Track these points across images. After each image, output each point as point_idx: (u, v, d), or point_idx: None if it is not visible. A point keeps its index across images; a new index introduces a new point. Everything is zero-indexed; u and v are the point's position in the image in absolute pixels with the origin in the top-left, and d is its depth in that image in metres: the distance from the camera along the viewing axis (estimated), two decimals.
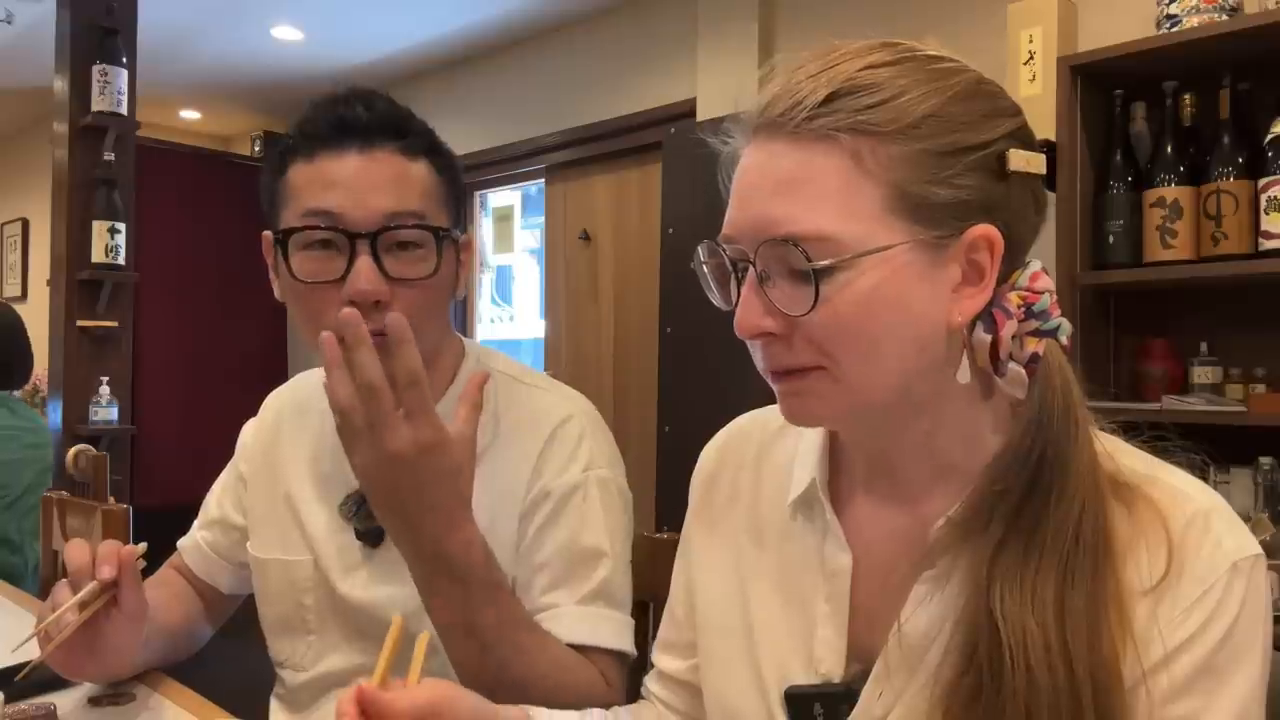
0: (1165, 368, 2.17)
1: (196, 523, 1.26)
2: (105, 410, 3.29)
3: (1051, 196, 0.70)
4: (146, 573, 1.09)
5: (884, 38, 0.67)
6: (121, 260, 3.31)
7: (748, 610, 0.78)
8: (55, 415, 3.25)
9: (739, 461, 0.85)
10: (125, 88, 3.33)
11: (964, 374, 0.66)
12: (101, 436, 3.22)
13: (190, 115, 5.40)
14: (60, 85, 3.38)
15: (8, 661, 1.03)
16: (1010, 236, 0.65)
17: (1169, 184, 2.05)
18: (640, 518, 1.12)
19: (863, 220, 0.62)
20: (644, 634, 1.13)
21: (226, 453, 1.25)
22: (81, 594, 0.95)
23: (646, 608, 1.18)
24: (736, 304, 0.66)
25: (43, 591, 1.64)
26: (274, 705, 1.15)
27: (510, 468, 1.04)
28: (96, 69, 3.28)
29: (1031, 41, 2.26)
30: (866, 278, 0.62)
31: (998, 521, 0.64)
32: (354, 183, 0.96)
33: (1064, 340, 0.67)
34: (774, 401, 0.70)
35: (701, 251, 0.69)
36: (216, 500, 1.24)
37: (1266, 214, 1.93)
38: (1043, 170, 0.67)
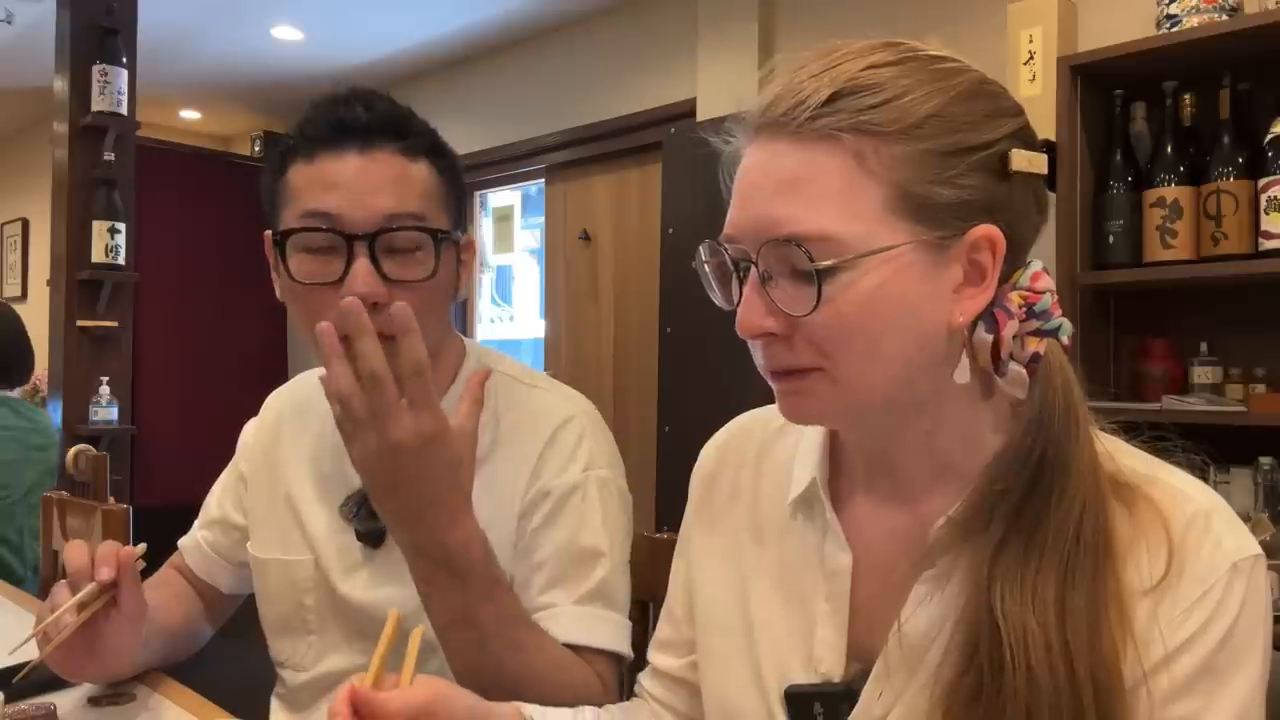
0: (1165, 368, 2.17)
1: (197, 522, 1.26)
2: (105, 410, 3.29)
3: (1051, 196, 0.70)
4: (146, 573, 1.09)
5: (886, 37, 0.67)
6: (121, 260, 3.31)
7: (747, 609, 0.78)
8: (55, 415, 3.25)
9: (739, 460, 0.85)
10: (125, 88, 3.33)
11: (962, 374, 0.66)
12: (101, 436, 3.22)
13: (190, 115, 5.40)
14: (60, 85, 3.38)
15: (7, 662, 1.03)
16: (1012, 236, 0.65)
17: (1169, 184, 2.05)
18: (640, 518, 1.12)
19: (865, 220, 0.62)
20: (644, 634, 1.13)
21: (226, 453, 1.25)
22: (80, 595, 0.95)
23: (646, 608, 1.18)
24: (738, 304, 0.66)
25: (42, 592, 1.64)
26: (274, 705, 1.15)
27: (510, 468, 1.04)
28: (96, 69, 3.28)
29: (1031, 41, 2.26)
30: (869, 278, 0.62)
31: (998, 521, 0.64)
32: (353, 184, 0.95)
33: (1065, 340, 0.67)
34: (774, 401, 0.70)
35: (703, 251, 0.69)
36: (217, 500, 1.24)
37: (1266, 214, 1.93)
38: (1045, 170, 0.67)
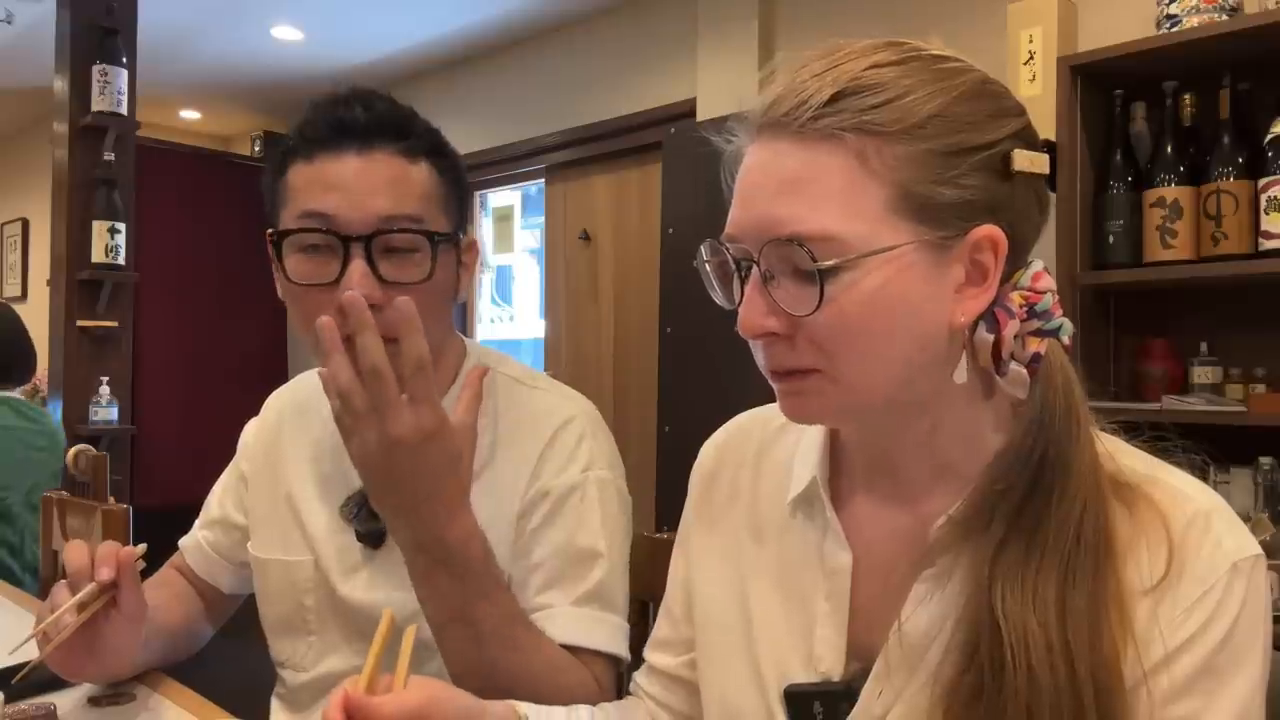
0: (1165, 368, 2.17)
1: (198, 522, 1.26)
2: (105, 410, 3.29)
3: (1051, 196, 0.70)
4: (147, 573, 1.09)
5: (888, 37, 0.67)
6: (121, 260, 3.31)
7: (747, 607, 0.78)
8: (55, 415, 3.25)
9: (739, 459, 0.85)
10: (125, 88, 3.33)
11: (961, 374, 0.66)
12: (101, 436, 3.23)
13: (190, 115, 5.40)
14: (60, 85, 3.38)
15: (7, 662, 1.02)
16: (1014, 237, 0.65)
17: (1169, 184, 2.05)
18: (640, 518, 1.12)
19: (867, 220, 0.62)
20: (644, 634, 1.13)
21: (226, 453, 1.25)
22: (81, 595, 0.94)
23: (646, 608, 1.17)
24: (739, 303, 0.66)
25: (42, 592, 1.64)
26: (275, 705, 1.14)
27: (510, 469, 1.04)
28: (96, 69, 3.29)
29: (1031, 41, 2.26)
30: (871, 278, 0.62)
31: (999, 521, 0.64)
32: (351, 185, 0.95)
33: (1066, 340, 0.67)
34: (774, 401, 0.70)
35: (704, 250, 0.69)
36: (218, 500, 1.24)
37: (1266, 214, 1.93)
38: (1046, 170, 0.67)
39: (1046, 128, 2.11)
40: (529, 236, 4.51)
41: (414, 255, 0.97)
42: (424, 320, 0.87)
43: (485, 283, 4.65)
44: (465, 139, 4.08)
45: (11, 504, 2.29)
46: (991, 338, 0.65)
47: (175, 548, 1.27)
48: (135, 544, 1.02)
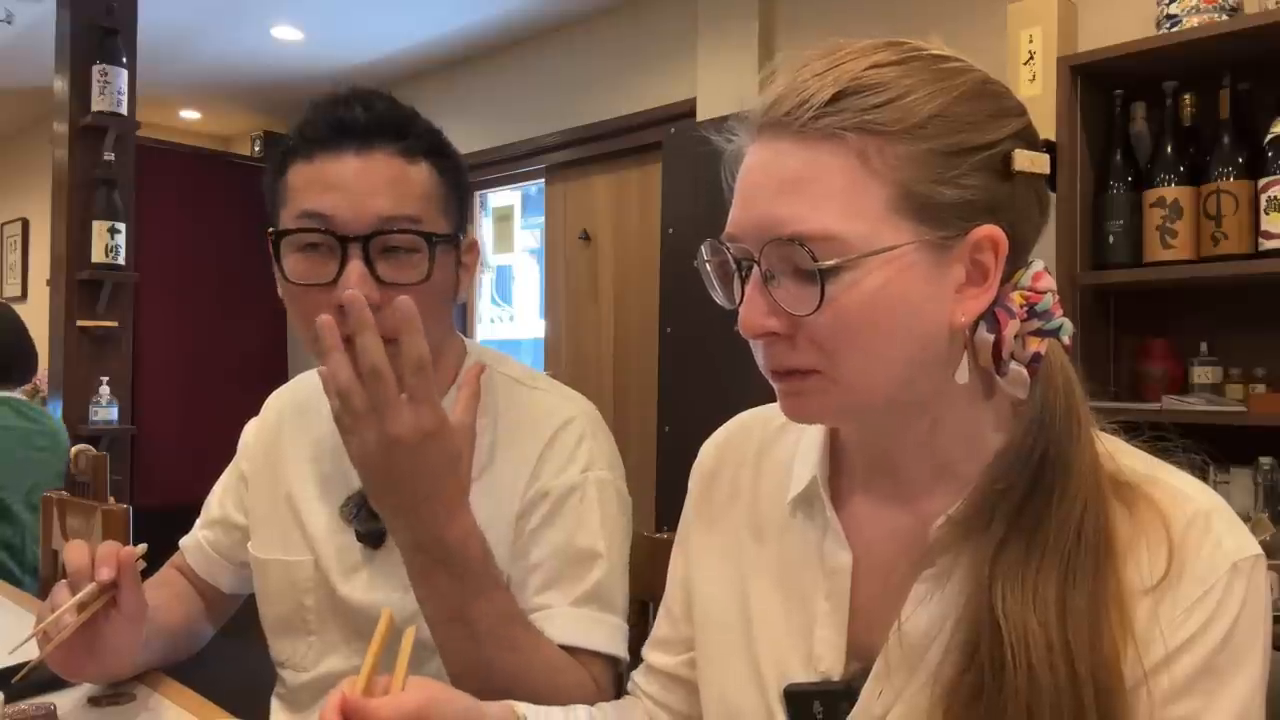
0: (1165, 368, 2.17)
1: (198, 522, 1.26)
2: (105, 410, 3.29)
3: (1052, 196, 0.70)
4: (147, 573, 1.09)
5: (888, 37, 0.67)
6: (121, 260, 3.31)
7: (747, 606, 0.78)
8: (55, 415, 3.25)
9: (739, 458, 0.85)
10: (125, 88, 3.33)
11: (962, 374, 0.66)
12: (101, 436, 3.23)
13: (190, 115, 5.40)
14: (60, 85, 3.38)
15: (7, 662, 1.02)
16: (1014, 236, 0.65)
17: (1169, 184, 2.05)
18: (640, 518, 1.12)
19: (868, 220, 0.62)
20: (643, 634, 1.13)
21: (227, 453, 1.25)
22: (80, 595, 0.94)
23: (646, 608, 1.17)
24: (739, 303, 0.66)
25: (42, 592, 1.64)
26: (275, 705, 1.14)
27: (510, 469, 1.04)
28: (96, 69, 3.29)
29: (1031, 41, 2.26)
30: (872, 278, 0.62)
31: (999, 520, 0.64)
32: (350, 185, 0.95)
33: (1066, 340, 0.67)
34: (774, 400, 0.70)
35: (705, 250, 0.69)
36: (218, 500, 1.24)
37: (1266, 214, 1.93)
38: (1047, 170, 0.67)
39: (1046, 128, 2.11)
40: (529, 236, 4.51)
41: (412, 256, 0.97)
42: (423, 320, 0.87)
43: (485, 283, 4.65)
44: (465, 139, 4.07)
45: (12, 504, 2.29)
46: (992, 338, 0.65)
47: (175, 548, 1.27)
48: (135, 544, 1.02)
